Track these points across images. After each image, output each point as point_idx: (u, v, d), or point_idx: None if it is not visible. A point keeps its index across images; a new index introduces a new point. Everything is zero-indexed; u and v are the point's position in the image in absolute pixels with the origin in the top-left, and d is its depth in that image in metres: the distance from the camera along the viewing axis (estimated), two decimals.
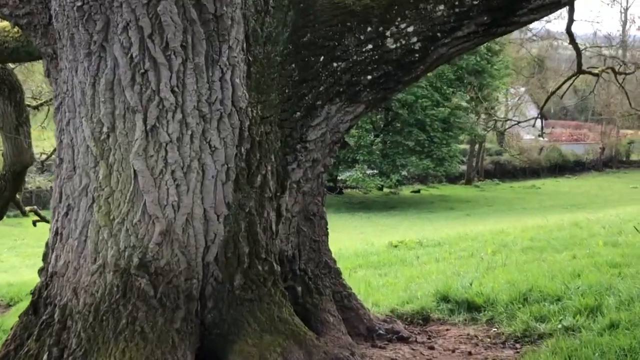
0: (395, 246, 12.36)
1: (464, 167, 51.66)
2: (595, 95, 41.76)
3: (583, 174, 59.40)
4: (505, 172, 55.51)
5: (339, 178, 44.18)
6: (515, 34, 53.83)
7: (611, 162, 61.82)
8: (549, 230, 12.69)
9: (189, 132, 4.51)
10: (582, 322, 5.65)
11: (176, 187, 4.51)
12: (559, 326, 5.64)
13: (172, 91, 4.45)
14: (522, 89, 58.33)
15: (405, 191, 47.35)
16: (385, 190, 44.70)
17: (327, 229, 5.67)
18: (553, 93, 13.81)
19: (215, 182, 4.61)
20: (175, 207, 4.52)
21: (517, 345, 5.54)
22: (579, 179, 57.29)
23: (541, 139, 61.54)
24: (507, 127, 50.65)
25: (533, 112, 57.05)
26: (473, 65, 44.25)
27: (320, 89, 5.07)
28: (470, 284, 6.94)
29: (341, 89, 5.07)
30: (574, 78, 12.82)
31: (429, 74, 44.92)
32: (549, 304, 6.18)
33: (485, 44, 45.08)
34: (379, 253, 11.75)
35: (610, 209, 31.67)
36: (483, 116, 47.73)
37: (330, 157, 5.46)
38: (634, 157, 63.38)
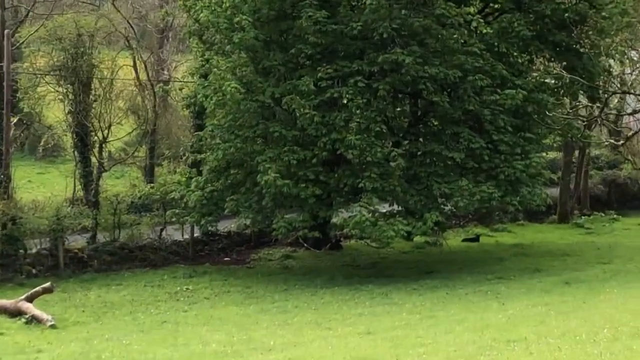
0: None
1: (553, 192, 34.07)
2: None
3: None
4: (627, 198, 38.46)
5: (331, 222, 25.36)
6: None
7: None
8: None
9: None
10: None
11: None
12: None
13: None
14: None
15: (454, 239, 30.34)
16: (417, 239, 27.39)
17: None
18: None
19: None
20: None
21: None
22: None
23: None
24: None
25: None
26: (564, 14, 26.04)
27: None
28: None
29: None
30: None
31: (485, 31, 24.80)
32: None
33: None
34: None
35: None
36: (583, 100, 28.69)
37: None
38: None
